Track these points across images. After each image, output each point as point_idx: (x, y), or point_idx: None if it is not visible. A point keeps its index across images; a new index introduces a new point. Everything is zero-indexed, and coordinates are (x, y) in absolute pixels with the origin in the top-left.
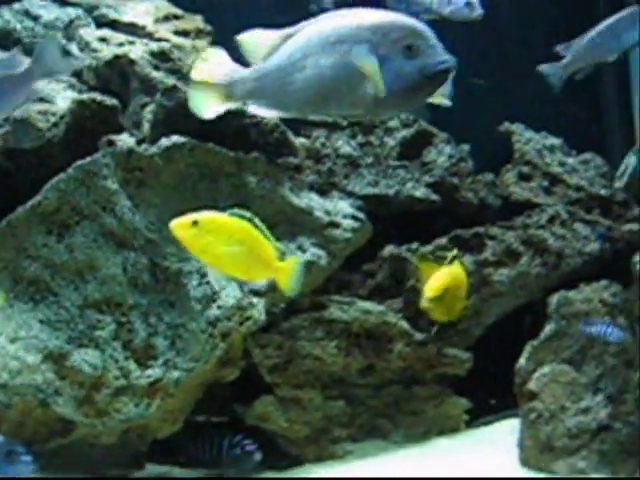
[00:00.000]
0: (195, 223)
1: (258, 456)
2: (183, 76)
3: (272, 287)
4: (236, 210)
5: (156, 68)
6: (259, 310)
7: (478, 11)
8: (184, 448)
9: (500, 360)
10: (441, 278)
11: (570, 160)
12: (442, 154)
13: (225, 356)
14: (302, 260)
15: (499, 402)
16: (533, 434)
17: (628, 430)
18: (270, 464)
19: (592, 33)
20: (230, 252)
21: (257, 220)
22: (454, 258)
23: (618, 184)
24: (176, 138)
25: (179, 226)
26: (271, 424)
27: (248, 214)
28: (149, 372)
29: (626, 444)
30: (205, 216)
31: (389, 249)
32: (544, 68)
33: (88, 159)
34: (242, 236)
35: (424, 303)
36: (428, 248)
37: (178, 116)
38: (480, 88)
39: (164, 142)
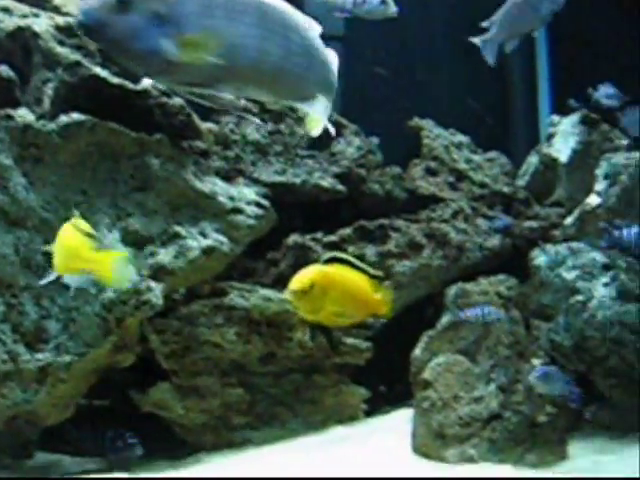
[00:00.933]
0: None
1: (139, 450)
2: (89, 53)
3: (171, 272)
4: None
5: (61, 43)
6: (156, 295)
7: (393, 8)
8: (70, 436)
9: (403, 351)
10: (309, 273)
11: (476, 157)
12: (351, 145)
13: (120, 341)
14: (126, 254)
15: (401, 391)
16: (426, 422)
17: (518, 419)
18: (166, 452)
19: (510, 4)
20: None
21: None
22: (333, 259)
23: (520, 182)
24: (76, 115)
25: None
26: (168, 411)
27: None
28: (39, 356)
29: (515, 432)
30: None
31: (293, 238)
32: (478, 41)
33: None
34: None
35: (285, 294)
36: (332, 238)
37: (80, 93)
38: (389, 82)
39: (63, 119)
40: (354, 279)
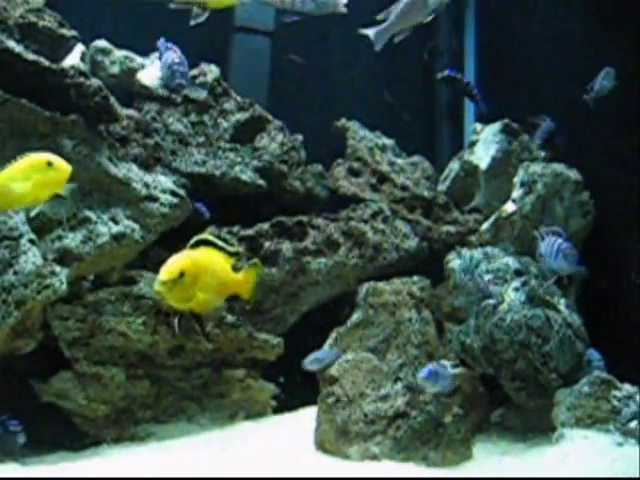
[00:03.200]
0: None
1: (22, 438)
2: (7, 28)
3: (78, 257)
4: None
5: None
6: (61, 279)
7: (341, 5)
8: None
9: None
10: (178, 262)
11: (399, 161)
12: (274, 141)
13: (20, 326)
14: None
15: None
16: (330, 418)
17: (423, 418)
18: (66, 444)
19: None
20: None
21: None
22: (200, 243)
23: (441, 187)
24: None
25: None
26: (68, 402)
27: None
28: None
29: (420, 431)
30: None
31: (210, 230)
32: (368, 32)
33: None
34: None
35: (155, 286)
36: (249, 232)
37: None
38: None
39: None
40: (217, 260)
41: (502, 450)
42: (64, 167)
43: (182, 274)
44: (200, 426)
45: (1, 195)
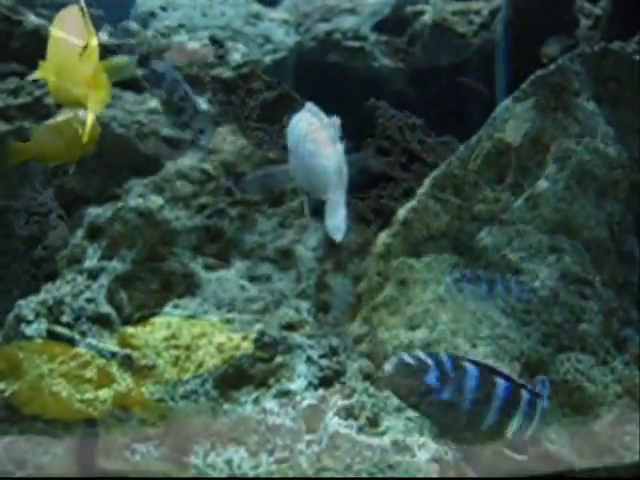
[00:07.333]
0: None
1: None
2: (33, 6)
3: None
4: None
5: None
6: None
7: None
8: None
9: None
10: None
11: (429, 140)
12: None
13: None
14: None
15: None
16: None
17: None
18: None
19: None
20: None
21: None
22: None
23: (471, 166)
24: None
25: None
26: None
27: None
28: None
29: None
30: None
31: (237, 209)
32: None
33: None
34: None
35: None
36: (277, 211)
37: None
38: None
39: None
40: None
41: None
42: (95, 128)
43: None
44: None
45: (38, 149)
